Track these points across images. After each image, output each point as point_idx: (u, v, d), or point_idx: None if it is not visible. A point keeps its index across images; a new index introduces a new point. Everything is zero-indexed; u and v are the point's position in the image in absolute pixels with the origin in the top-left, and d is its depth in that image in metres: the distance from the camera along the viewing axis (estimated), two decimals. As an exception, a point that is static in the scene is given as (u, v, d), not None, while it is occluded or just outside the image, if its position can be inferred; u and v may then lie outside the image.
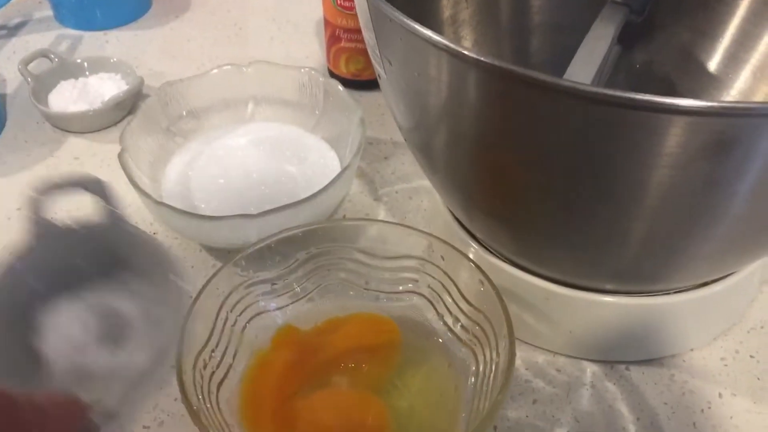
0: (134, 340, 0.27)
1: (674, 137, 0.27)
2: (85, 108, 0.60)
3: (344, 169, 0.49)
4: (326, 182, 0.48)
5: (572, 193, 0.32)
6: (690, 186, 0.29)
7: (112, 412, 0.25)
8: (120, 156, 0.49)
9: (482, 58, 0.28)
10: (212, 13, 0.77)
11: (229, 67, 0.57)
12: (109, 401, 0.25)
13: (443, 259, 0.41)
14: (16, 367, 0.25)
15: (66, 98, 0.62)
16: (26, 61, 0.63)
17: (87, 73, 0.64)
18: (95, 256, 0.27)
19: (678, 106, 0.26)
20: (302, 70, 0.57)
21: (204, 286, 0.39)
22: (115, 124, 0.62)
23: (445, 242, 0.41)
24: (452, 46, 0.29)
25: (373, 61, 0.39)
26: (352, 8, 0.61)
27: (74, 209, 0.37)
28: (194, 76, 0.57)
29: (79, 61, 0.64)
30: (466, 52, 0.29)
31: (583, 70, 0.36)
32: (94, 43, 0.72)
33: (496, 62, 0.27)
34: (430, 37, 0.30)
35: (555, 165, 0.31)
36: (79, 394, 0.24)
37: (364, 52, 0.63)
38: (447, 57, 0.30)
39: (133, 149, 0.51)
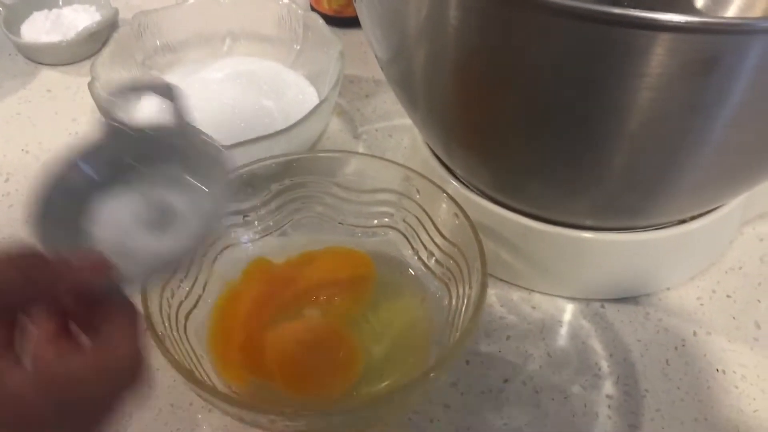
0: (179, 232, 0.29)
1: (655, 56, 0.26)
2: (58, 39, 0.58)
3: (321, 102, 0.48)
4: (301, 112, 0.47)
5: (551, 120, 0.31)
6: (671, 110, 0.29)
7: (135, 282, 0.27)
8: (90, 85, 0.48)
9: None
10: None
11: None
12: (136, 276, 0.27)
13: (419, 193, 0.40)
14: (65, 242, 0.27)
15: (39, 29, 0.60)
16: (-3, -9, 0.61)
17: (60, 3, 0.62)
18: (158, 156, 0.30)
19: (658, 21, 0.25)
20: (281, 2, 0.56)
21: (172, 215, 0.38)
22: (89, 57, 0.60)
23: (421, 176, 0.40)
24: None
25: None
26: (335, -60, 0.59)
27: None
28: (169, 6, 0.55)
29: (53, -11, 0.62)
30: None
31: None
32: (69, -26, 0.70)
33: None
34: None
35: (534, 88, 0.30)
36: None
37: (347, -12, 0.62)
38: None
39: (105, 80, 0.50)
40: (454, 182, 0.44)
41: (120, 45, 0.52)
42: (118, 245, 0.28)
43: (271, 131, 0.47)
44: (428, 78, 0.37)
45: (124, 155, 0.30)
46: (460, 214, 0.37)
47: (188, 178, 0.30)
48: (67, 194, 0.29)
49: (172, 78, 0.55)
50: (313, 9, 0.65)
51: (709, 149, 0.30)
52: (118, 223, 0.29)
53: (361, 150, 0.53)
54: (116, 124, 0.30)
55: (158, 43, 0.55)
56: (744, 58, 0.26)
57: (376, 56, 0.42)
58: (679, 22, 0.25)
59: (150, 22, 0.54)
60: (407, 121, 0.55)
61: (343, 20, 0.64)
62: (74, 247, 0.27)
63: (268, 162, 0.41)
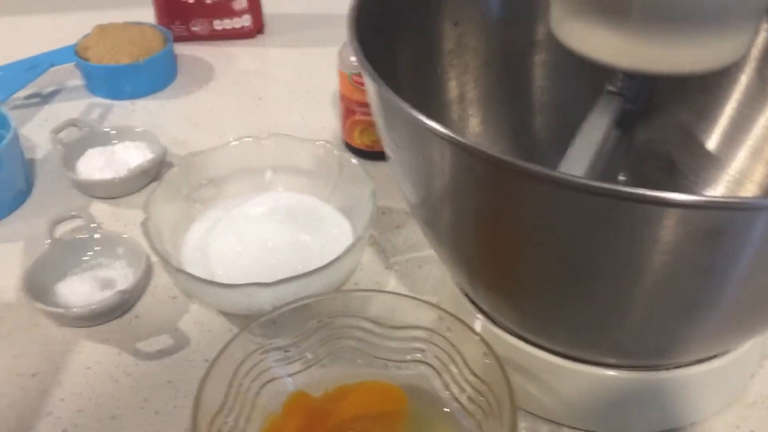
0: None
1: (664, 227, 0.29)
2: (111, 175, 0.63)
3: (356, 241, 0.51)
4: (340, 251, 0.51)
5: (569, 275, 0.34)
6: (683, 271, 0.31)
7: None
8: (143, 224, 0.52)
9: (482, 150, 0.30)
10: (234, 83, 0.81)
11: (248, 138, 0.60)
12: None
13: (450, 331, 0.43)
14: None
15: (93, 165, 0.65)
16: (57, 130, 0.66)
17: (114, 141, 0.67)
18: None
19: (667, 199, 0.28)
20: (317, 143, 0.60)
21: (219, 353, 0.41)
22: (139, 190, 0.65)
23: (451, 315, 0.43)
24: (455, 137, 0.31)
25: (382, 141, 0.41)
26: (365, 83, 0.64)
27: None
28: (216, 148, 0.59)
29: (106, 129, 0.68)
30: (467, 143, 0.31)
31: (580, 157, 0.38)
32: (122, 111, 0.76)
33: (494, 154, 0.30)
34: (434, 128, 0.32)
35: (552, 248, 0.33)
36: None
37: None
38: (449, 146, 0.32)
39: (156, 217, 0.54)
40: (481, 317, 0.46)
41: (170, 184, 0.56)
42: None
43: (309, 265, 0.50)
44: (452, 228, 0.40)
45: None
46: (490, 354, 0.39)
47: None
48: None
49: (214, 212, 0.59)
50: (346, 144, 0.69)
51: (723, 304, 0.33)
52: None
53: (393, 281, 0.56)
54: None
55: (203, 179, 0.59)
56: (748, 229, 0.28)
57: (405, 198, 0.45)
58: (685, 201, 0.28)
59: (197, 161, 0.59)
60: (433, 252, 0.59)
61: (375, 154, 0.68)
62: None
63: (307, 300, 0.44)
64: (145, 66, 0.77)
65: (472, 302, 0.47)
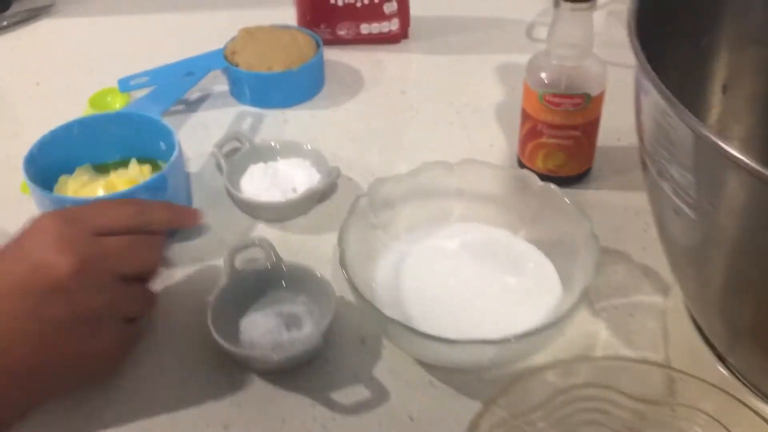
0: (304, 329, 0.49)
1: None
2: (278, 197, 0.59)
3: (584, 291, 0.45)
4: (550, 299, 0.45)
5: None
6: None
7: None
8: (341, 259, 0.47)
9: None
10: (386, 94, 0.76)
11: (436, 165, 0.55)
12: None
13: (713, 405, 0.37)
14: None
15: (257, 185, 0.60)
16: (220, 145, 0.62)
17: (278, 157, 0.63)
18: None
19: None
20: (512, 169, 0.54)
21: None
22: (305, 213, 0.60)
23: (728, 393, 0.37)
24: None
25: (672, 196, 0.35)
26: (560, 105, 0.58)
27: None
28: (404, 174, 0.54)
29: (272, 144, 0.63)
30: None
31: None
32: (274, 122, 0.71)
33: None
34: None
35: None
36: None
37: (566, 149, 0.60)
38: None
39: (349, 250, 0.49)
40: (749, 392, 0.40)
41: (359, 213, 0.51)
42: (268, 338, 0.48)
43: (517, 312, 0.45)
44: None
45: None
46: None
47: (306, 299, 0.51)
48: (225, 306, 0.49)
49: (398, 244, 0.54)
50: (521, 165, 0.63)
51: None
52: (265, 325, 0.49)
53: (604, 333, 0.50)
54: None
55: (388, 207, 0.54)
56: None
57: (669, 251, 0.39)
58: None
59: (384, 189, 0.53)
60: (646, 300, 0.53)
61: (557, 179, 0.62)
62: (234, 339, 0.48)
63: (549, 369, 0.38)
64: (298, 74, 0.72)
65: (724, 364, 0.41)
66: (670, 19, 0.42)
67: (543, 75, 0.58)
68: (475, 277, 0.51)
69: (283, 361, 0.46)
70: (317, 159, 0.62)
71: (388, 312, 0.45)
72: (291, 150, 0.63)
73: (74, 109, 0.72)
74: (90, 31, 0.89)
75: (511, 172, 0.55)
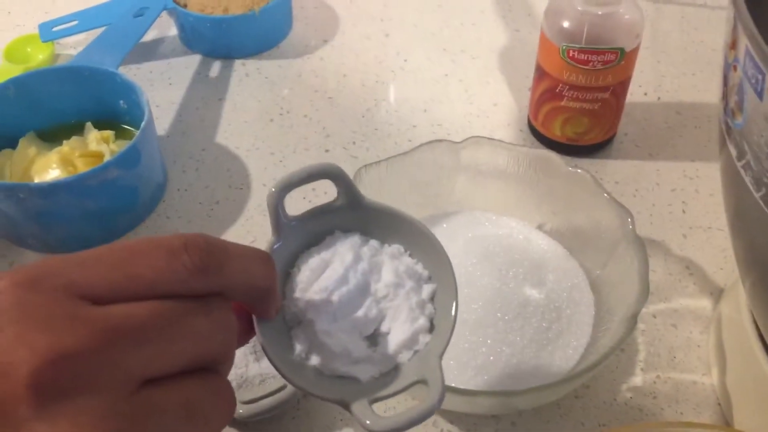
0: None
1: None
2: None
3: (632, 319, 0.36)
4: (583, 316, 0.37)
5: None
6: None
7: None
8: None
9: None
10: (367, 36, 0.63)
11: (438, 142, 0.44)
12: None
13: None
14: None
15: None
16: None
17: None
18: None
19: None
20: (524, 148, 0.44)
21: None
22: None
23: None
24: None
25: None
26: (588, 62, 0.47)
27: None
28: (398, 156, 0.44)
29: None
30: None
31: None
32: (231, 75, 0.59)
33: None
34: None
35: None
36: None
37: (590, 114, 0.50)
38: None
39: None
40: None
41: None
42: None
43: (545, 339, 0.36)
44: None
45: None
46: None
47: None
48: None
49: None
50: (533, 130, 0.53)
51: None
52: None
53: (643, 350, 0.41)
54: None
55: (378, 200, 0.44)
56: None
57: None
58: None
59: (371, 176, 0.43)
60: (694, 304, 0.44)
61: (576, 148, 0.52)
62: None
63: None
64: (260, 17, 0.59)
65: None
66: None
67: (566, 24, 0.47)
68: (489, 290, 0.41)
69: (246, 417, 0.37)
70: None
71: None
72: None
73: (-14, 63, 0.59)
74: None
75: (529, 154, 0.44)
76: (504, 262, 0.42)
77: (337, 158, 0.52)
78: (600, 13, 0.46)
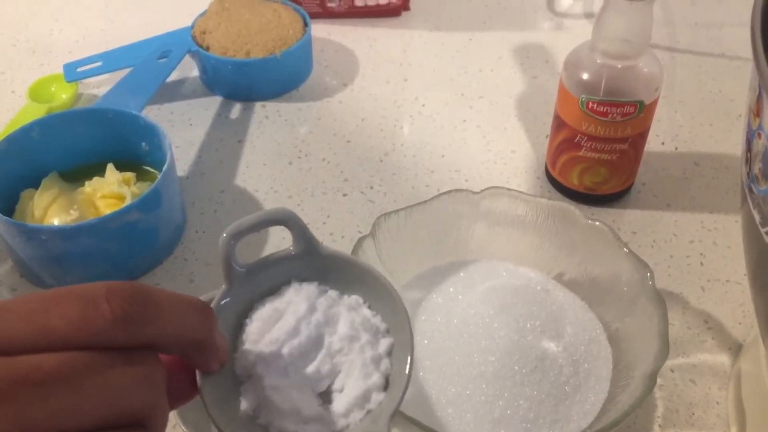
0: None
1: None
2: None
3: (651, 376, 0.35)
4: (601, 371, 0.36)
5: None
6: None
7: None
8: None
9: None
10: (387, 81, 0.64)
11: (459, 192, 0.44)
12: None
13: None
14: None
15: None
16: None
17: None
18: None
19: None
20: (543, 200, 0.44)
21: None
22: None
23: None
24: None
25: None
26: (607, 114, 0.47)
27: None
28: (417, 204, 0.44)
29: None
30: None
31: None
32: (251, 118, 0.60)
33: None
34: None
35: None
36: None
37: (608, 164, 0.50)
38: None
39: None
40: None
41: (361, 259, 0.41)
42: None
43: (561, 386, 0.35)
44: None
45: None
46: None
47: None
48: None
49: (413, 293, 0.44)
50: (550, 179, 0.53)
51: None
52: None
53: (660, 404, 0.41)
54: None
55: (397, 248, 0.44)
56: None
57: None
58: None
59: (389, 225, 0.43)
60: (712, 359, 0.43)
61: (593, 198, 0.52)
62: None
63: None
64: (282, 60, 0.60)
65: None
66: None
67: (585, 76, 0.47)
68: (506, 341, 0.40)
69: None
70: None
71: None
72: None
73: (11, 102, 0.60)
74: (27, 5, 0.76)
75: (547, 205, 0.44)
76: (522, 313, 0.41)
77: (355, 202, 0.53)
78: (620, 66, 0.46)
